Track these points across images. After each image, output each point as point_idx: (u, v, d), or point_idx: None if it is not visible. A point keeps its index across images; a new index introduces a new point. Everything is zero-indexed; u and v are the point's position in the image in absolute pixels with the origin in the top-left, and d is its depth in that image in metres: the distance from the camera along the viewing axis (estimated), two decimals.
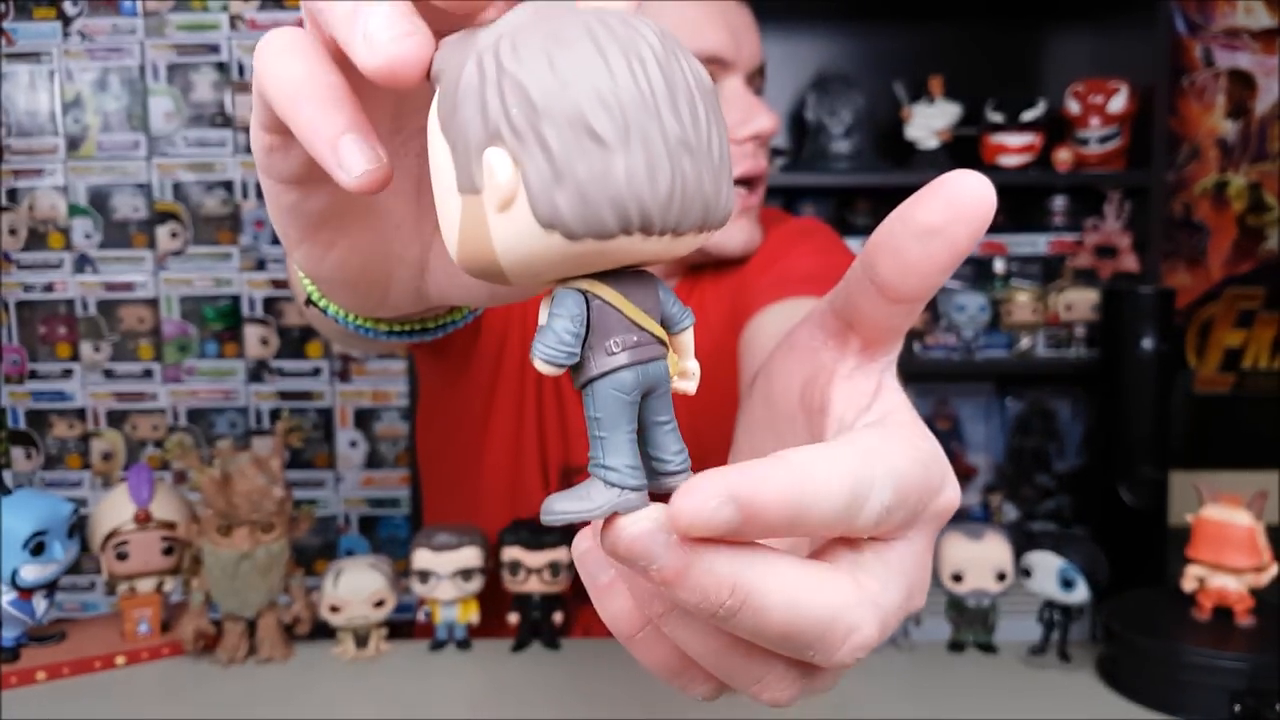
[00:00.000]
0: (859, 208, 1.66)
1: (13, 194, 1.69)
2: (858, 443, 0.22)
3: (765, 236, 0.77)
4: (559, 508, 0.21)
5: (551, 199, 0.19)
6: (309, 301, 0.37)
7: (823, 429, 0.27)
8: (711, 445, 0.75)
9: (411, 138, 0.29)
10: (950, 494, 0.25)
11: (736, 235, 0.74)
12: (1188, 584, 0.62)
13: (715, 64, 0.71)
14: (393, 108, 0.28)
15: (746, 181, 0.73)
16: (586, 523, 0.22)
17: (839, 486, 0.21)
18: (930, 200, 0.23)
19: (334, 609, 0.65)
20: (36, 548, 0.63)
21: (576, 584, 0.67)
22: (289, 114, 0.23)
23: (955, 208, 0.23)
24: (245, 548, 0.63)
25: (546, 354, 0.21)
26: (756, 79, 0.75)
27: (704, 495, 0.19)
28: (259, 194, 1.68)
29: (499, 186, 0.19)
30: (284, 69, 0.24)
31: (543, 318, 0.22)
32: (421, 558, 0.66)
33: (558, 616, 0.68)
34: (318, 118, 0.23)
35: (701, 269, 0.77)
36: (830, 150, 1.59)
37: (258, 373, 1.72)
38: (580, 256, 0.20)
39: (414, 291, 0.33)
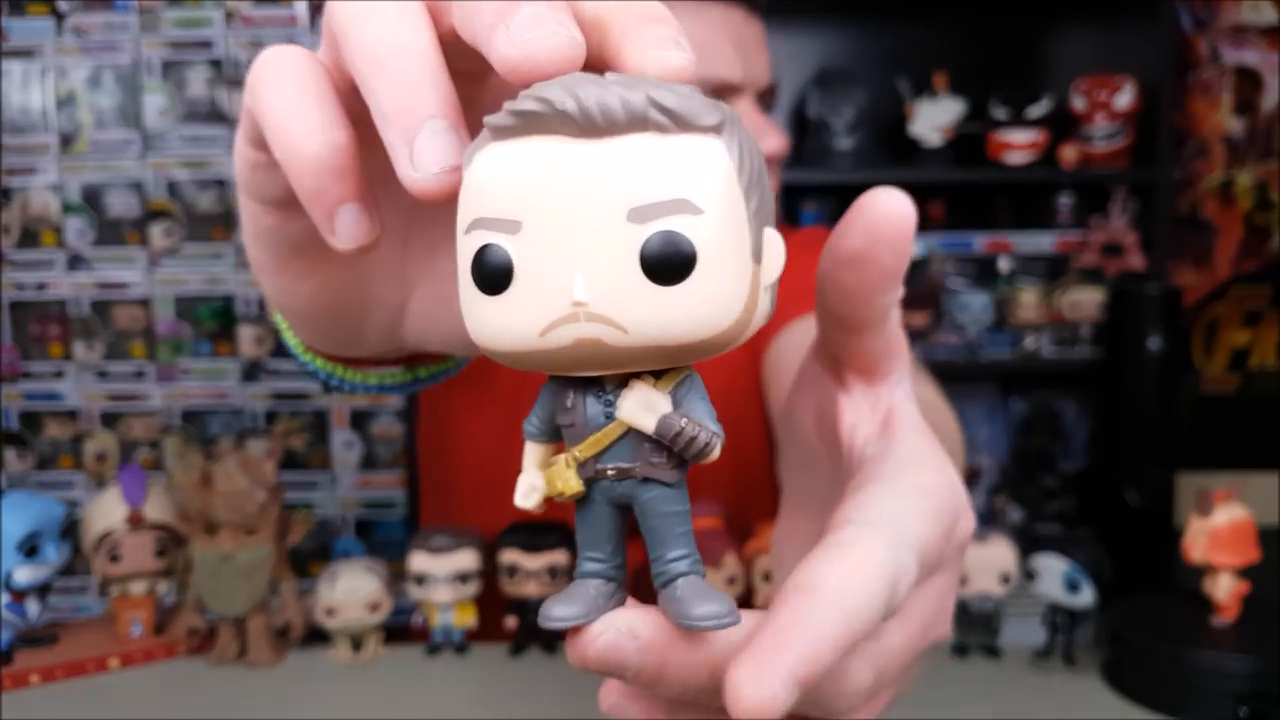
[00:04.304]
0: None
1: (5, 192, 1.69)
2: (882, 525, 0.21)
3: None
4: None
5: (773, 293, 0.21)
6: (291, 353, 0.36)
7: (838, 459, 0.26)
8: (725, 462, 0.74)
9: None
10: (965, 523, 0.25)
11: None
12: (1220, 593, 0.60)
13: (727, 89, 0.69)
14: None
15: None
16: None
17: (879, 601, 0.20)
18: (849, 228, 0.23)
19: (329, 612, 0.65)
20: (30, 550, 0.63)
21: None
22: (288, 165, 0.22)
23: (873, 231, 0.23)
24: (227, 549, 0.63)
25: (721, 434, 0.21)
26: (767, 97, 0.74)
27: (770, 686, 0.18)
28: None
29: (777, 267, 0.21)
30: (287, 107, 0.22)
31: (665, 405, 0.20)
32: (418, 560, 0.65)
33: None
34: (320, 183, 0.22)
35: None
36: (833, 147, 1.58)
37: (252, 373, 1.71)
38: None
39: (388, 334, 0.31)
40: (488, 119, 0.19)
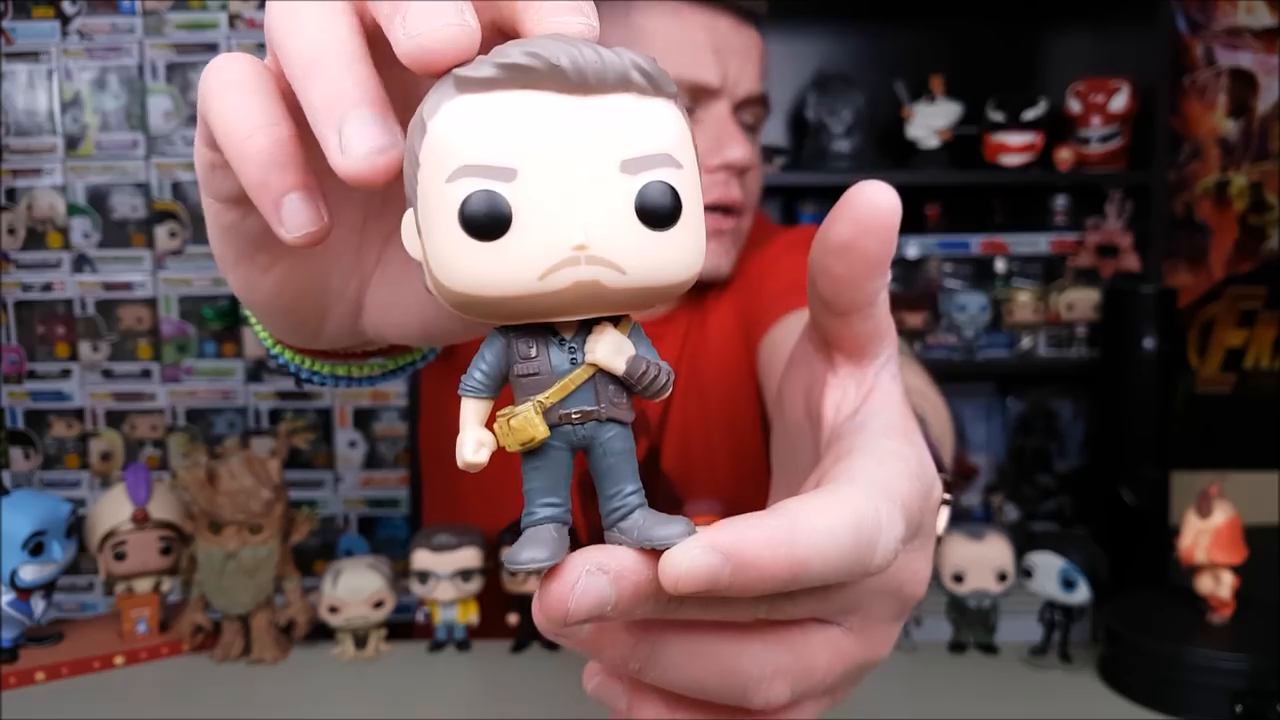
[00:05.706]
0: None
1: (11, 193, 1.69)
2: (857, 477, 0.23)
3: (763, 250, 0.76)
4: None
5: None
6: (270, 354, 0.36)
7: (819, 437, 0.27)
8: (723, 460, 0.75)
9: None
10: (937, 490, 0.26)
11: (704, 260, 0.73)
12: (1224, 591, 0.61)
13: (701, 92, 0.68)
14: None
15: (719, 209, 0.71)
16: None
17: (842, 532, 0.21)
18: (838, 219, 0.24)
19: (333, 609, 0.65)
20: (35, 548, 0.63)
21: None
22: (235, 161, 0.23)
23: (860, 223, 0.24)
24: (231, 547, 0.63)
25: (672, 372, 0.22)
26: (755, 107, 0.72)
27: (686, 547, 0.20)
28: None
29: None
30: (234, 109, 0.23)
31: (630, 348, 0.21)
32: (421, 558, 0.66)
33: None
34: (264, 174, 0.22)
35: (705, 290, 0.77)
36: (831, 149, 1.58)
37: (256, 373, 1.72)
38: None
39: (349, 327, 0.32)
40: (459, 71, 0.20)
